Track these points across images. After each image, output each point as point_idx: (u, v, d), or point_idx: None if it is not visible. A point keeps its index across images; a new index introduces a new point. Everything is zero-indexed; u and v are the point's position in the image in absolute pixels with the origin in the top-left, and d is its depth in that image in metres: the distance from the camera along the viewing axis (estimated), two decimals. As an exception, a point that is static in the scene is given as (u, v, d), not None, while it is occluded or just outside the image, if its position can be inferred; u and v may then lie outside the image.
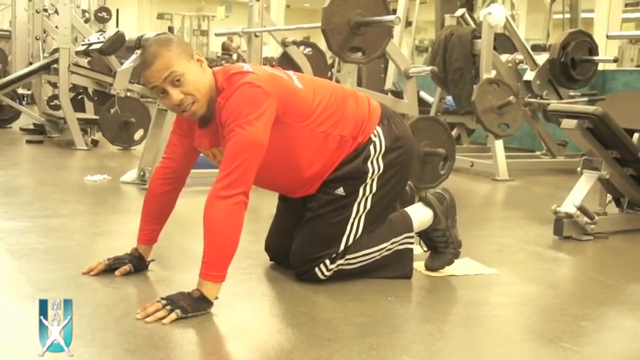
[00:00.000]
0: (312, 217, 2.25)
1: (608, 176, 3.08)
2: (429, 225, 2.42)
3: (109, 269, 2.24)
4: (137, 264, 2.27)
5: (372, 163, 2.24)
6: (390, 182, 2.28)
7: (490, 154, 5.05)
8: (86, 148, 5.90)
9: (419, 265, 2.45)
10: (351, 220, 2.24)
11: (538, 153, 5.93)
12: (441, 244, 2.44)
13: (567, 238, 3.02)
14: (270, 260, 2.47)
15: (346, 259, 2.25)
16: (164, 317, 1.84)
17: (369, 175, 2.24)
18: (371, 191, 2.25)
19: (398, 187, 2.34)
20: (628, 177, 3.12)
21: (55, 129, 6.57)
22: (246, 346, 1.76)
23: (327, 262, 2.22)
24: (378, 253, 2.30)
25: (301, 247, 2.25)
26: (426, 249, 2.48)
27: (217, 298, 1.94)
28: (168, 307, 1.87)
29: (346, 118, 2.22)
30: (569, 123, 3.05)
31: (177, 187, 2.30)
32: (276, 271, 2.38)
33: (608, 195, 3.28)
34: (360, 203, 2.24)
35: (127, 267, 2.25)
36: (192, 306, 1.89)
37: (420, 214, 2.41)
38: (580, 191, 3.09)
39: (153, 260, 2.32)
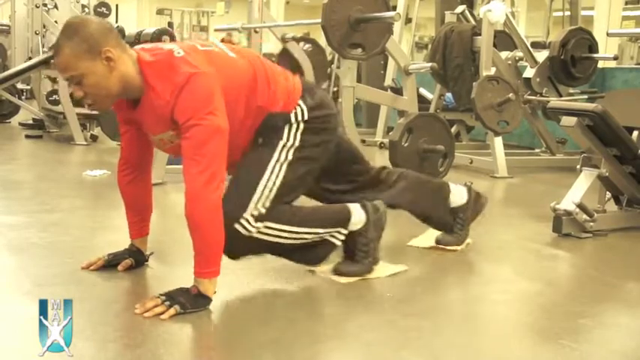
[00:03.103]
0: (241, 163, 2.14)
1: (607, 174, 3.08)
2: (359, 228, 2.29)
3: (108, 265, 2.24)
4: (136, 258, 2.28)
5: (290, 129, 2.14)
6: (312, 147, 2.17)
7: (489, 151, 5.05)
8: (85, 143, 5.90)
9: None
10: (270, 165, 2.10)
11: (537, 150, 5.92)
12: (361, 253, 2.30)
13: (566, 236, 3.02)
14: None
15: (268, 227, 2.08)
16: (163, 312, 1.85)
17: (289, 130, 2.13)
18: (293, 144, 2.13)
19: (320, 155, 2.22)
20: (627, 175, 3.12)
21: (54, 124, 6.56)
22: (244, 342, 1.76)
23: (250, 218, 2.04)
24: (309, 236, 2.17)
25: (225, 199, 2.01)
26: (344, 252, 2.33)
27: (215, 292, 1.94)
28: (167, 303, 1.87)
29: (277, 93, 2.12)
30: (568, 120, 3.05)
31: (139, 175, 2.26)
32: (273, 266, 2.37)
33: (608, 192, 3.28)
34: (280, 152, 2.12)
35: (128, 261, 2.25)
36: (191, 302, 1.89)
37: (354, 214, 2.29)
38: (579, 189, 3.09)
39: (152, 253, 2.32)
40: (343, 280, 2.26)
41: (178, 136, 1.95)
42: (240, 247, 2.07)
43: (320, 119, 2.19)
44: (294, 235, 2.15)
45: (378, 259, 2.34)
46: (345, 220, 2.26)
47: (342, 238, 2.27)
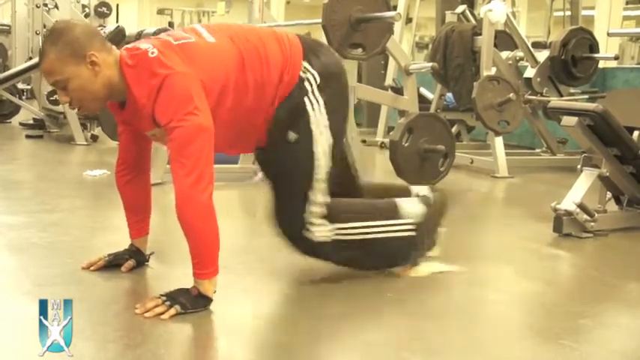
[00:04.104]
0: (278, 170, 2.14)
1: (608, 174, 3.07)
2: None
3: (109, 265, 2.24)
4: (137, 258, 2.28)
5: (309, 97, 2.10)
6: (334, 110, 2.16)
7: (490, 151, 5.05)
8: (86, 143, 5.90)
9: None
10: (316, 153, 2.10)
11: (538, 150, 5.92)
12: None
13: (567, 236, 3.02)
14: None
15: (338, 229, 2.14)
16: (163, 313, 1.85)
17: (312, 107, 2.10)
18: (319, 107, 2.11)
19: (342, 113, 2.24)
20: (628, 175, 3.12)
21: (54, 124, 6.56)
22: (244, 342, 1.76)
23: (312, 219, 2.09)
24: (372, 229, 2.21)
25: (280, 203, 2.11)
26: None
27: (215, 291, 1.94)
28: (168, 303, 1.87)
29: (270, 61, 2.06)
30: (569, 120, 3.04)
31: (137, 175, 2.26)
32: (275, 266, 2.37)
33: (608, 192, 3.27)
34: (315, 135, 2.10)
35: (131, 262, 2.25)
36: (192, 302, 1.89)
37: (409, 205, 2.32)
38: (580, 189, 3.09)
39: (152, 253, 2.32)
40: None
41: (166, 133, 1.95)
42: (314, 256, 2.16)
43: (331, 79, 2.16)
44: (366, 230, 2.20)
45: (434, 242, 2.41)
46: (393, 209, 2.28)
47: (412, 227, 2.29)
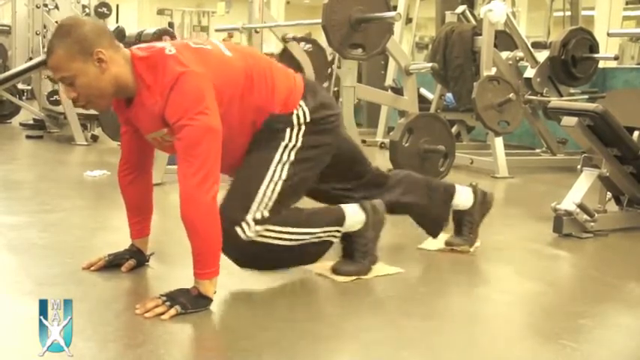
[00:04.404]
0: (238, 170, 2.14)
1: (608, 174, 3.08)
2: (357, 229, 2.29)
3: (109, 265, 2.24)
4: (137, 258, 2.28)
5: (292, 131, 2.13)
6: (314, 148, 2.17)
7: (490, 151, 5.05)
8: (86, 143, 5.90)
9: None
10: (272, 167, 2.09)
11: (538, 150, 5.92)
12: (360, 253, 2.30)
13: (567, 236, 3.02)
14: None
15: (269, 229, 2.07)
16: (163, 313, 1.85)
17: (291, 131, 2.12)
18: (295, 145, 2.12)
19: (321, 156, 2.22)
20: (628, 175, 3.12)
21: (54, 124, 6.57)
22: (245, 342, 1.76)
23: (251, 222, 2.04)
24: (308, 236, 2.17)
25: (226, 202, 2.06)
26: (341, 251, 2.35)
27: (216, 292, 1.94)
28: (168, 303, 1.87)
29: (276, 91, 2.10)
30: (569, 120, 3.04)
31: (139, 175, 2.26)
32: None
33: (608, 193, 3.27)
34: (282, 152, 2.11)
35: (131, 262, 2.25)
36: (192, 302, 1.89)
37: (353, 214, 2.29)
38: (580, 189, 3.09)
39: (153, 254, 2.32)
40: (341, 279, 2.25)
41: (171, 134, 1.95)
42: (237, 251, 2.07)
43: (322, 120, 2.19)
44: (294, 237, 2.14)
45: (376, 258, 2.35)
46: (341, 219, 2.26)
47: (338, 237, 2.27)
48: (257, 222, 2.05)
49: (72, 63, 1.91)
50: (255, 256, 2.12)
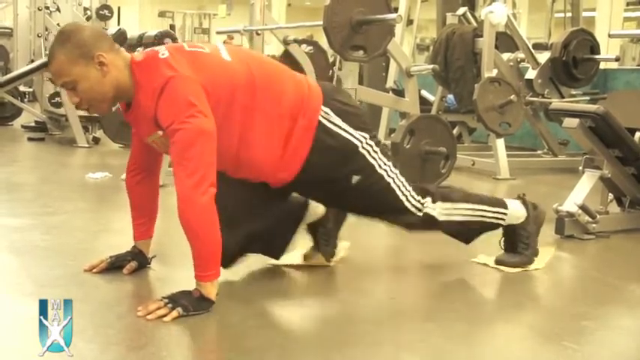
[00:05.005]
0: (353, 206, 2.32)
1: (609, 175, 3.07)
2: (521, 222, 2.48)
3: (111, 267, 2.24)
4: (139, 260, 2.28)
5: (330, 126, 2.15)
6: (349, 114, 2.20)
7: (491, 152, 5.05)
8: (87, 145, 5.91)
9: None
10: (379, 170, 2.22)
11: (539, 152, 5.92)
12: (522, 245, 2.48)
13: (569, 237, 3.01)
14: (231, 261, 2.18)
15: (445, 207, 2.32)
16: (165, 315, 1.85)
17: (361, 143, 2.18)
18: (364, 139, 2.19)
19: (357, 115, 2.27)
20: (630, 176, 3.12)
21: (56, 126, 6.57)
22: (247, 345, 1.76)
23: (416, 202, 2.28)
24: (479, 212, 2.39)
25: (382, 217, 2.35)
26: (503, 245, 2.53)
27: (218, 294, 1.94)
28: (170, 306, 1.87)
29: (283, 97, 2.08)
30: (570, 122, 3.04)
31: (147, 176, 2.26)
32: (278, 269, 2.37)
33: (610, 194, 3.27)
34: (380, 168, 2.23)
35: (133, 264, 2.25)
36: (194, 305, 1.89)
37: (516, 207, 2.49)
38: (582, 190, 3.09)
39: (155, 256, 2.32)
40: (507, 269, 2.43)
41: (167, 137, 1.95)
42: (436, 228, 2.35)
43: (348, 114, 2.20)
44: (469, 212, 2.37)
45: (537, 250, 2.52)
46: (503, 203, 2.46)
47: (505, 218, 2.45)
48: (425, 205, 2.30)
49: (73, 68, 1.92)
50: (448, 230, 2.39)
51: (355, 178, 2.18)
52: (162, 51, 1.99)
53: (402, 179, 2.27)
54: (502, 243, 2.53)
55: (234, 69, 2.05)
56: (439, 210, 2.32)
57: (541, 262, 2.52)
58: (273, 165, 2.11)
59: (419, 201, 2.29)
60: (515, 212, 2.48)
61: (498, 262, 2.48)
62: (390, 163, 2.25)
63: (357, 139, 2.17)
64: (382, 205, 2.28)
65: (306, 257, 2.45)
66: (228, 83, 2.01)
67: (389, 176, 2.24)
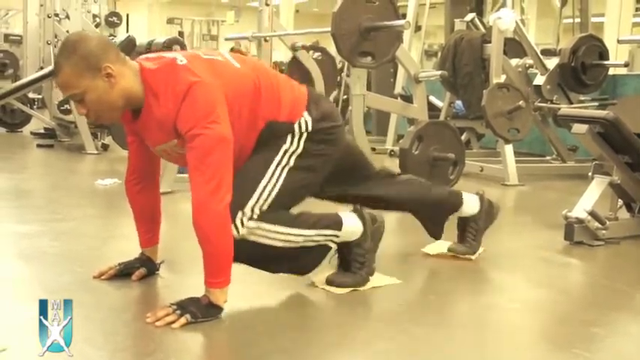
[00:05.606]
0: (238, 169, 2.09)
1: (619, 181, 3.06)
2: (356, 238, 2.24)
3: (120, 274, 2.25)
4: (148, 267, 2.28)
5: (293, 136, 2.12)
6: (314, 156, 2.15)
7: (500, 158, 5.04)
8: (96, 152, 5.93)
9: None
10: (271, 168, 2.07)
11: (548, 158, 5.90)
12: (357, 264, 2.25)
13: (578, 244, 3.00)
14: None
15: (261, 228, 2.03)
16: (174, 322, 1.85)
17: (292, 137, 2.11)
18: (295, 151, 2.11)
19: (321, 166, 2.19)
20: (639, 182, 3.11)
21: (65, 133, 6.60)
22: (254, 351, 1.76)
23: (245, 219, 2.00)
24: (302, 239, 2.11)
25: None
26: (337, 262, 2.29)
27: (226, 301, 1.94)
28: (178, 312, 1.87)
29: (282, 103, 2.10)
30: (579, 128, 3.03)
31: (147, 185, 2.27)
32: (285, 275, 2.37)
33: (619, 200, 3.26)
34: (282, 155, 2.10)
35: (142, 270, 2.25)
36: (202, 311, 1.89)
37: (351, 223, 2.23)
38: (591, 196, 3.07)
39: (163, 262, 2.33)
40: (337, 290, 2.20)
41: (182, 145, 1.95)
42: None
43: (324, 131, 2.17)
44: (287, 237, 2.08)
45: (373, 270, 2.29)
46: (338, 224, 2.20)
47: (335, 244, 2.21)
48: (250, 218, 2.01)
49: (80, 80, 1.91)
50: (249, 256, 2.06)
51: (261, 145, 2.09)
52: (180, 58, 1.99)
53: (275, 196, 2.06)
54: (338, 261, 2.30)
55: (245, 76, 2.07)
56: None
57: (377, 283, 2.28)
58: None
59: (251, 217, 2.01)
60: (350, 228, 2.23)
61: (328, 282, 2.24)
62: (288, 175, 2.09)
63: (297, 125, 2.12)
64: (243, 181, 2.02)
65: (450, 250, 2.67)
66: (243, 90, 2.03)
67: (271, 174, 2.08)
